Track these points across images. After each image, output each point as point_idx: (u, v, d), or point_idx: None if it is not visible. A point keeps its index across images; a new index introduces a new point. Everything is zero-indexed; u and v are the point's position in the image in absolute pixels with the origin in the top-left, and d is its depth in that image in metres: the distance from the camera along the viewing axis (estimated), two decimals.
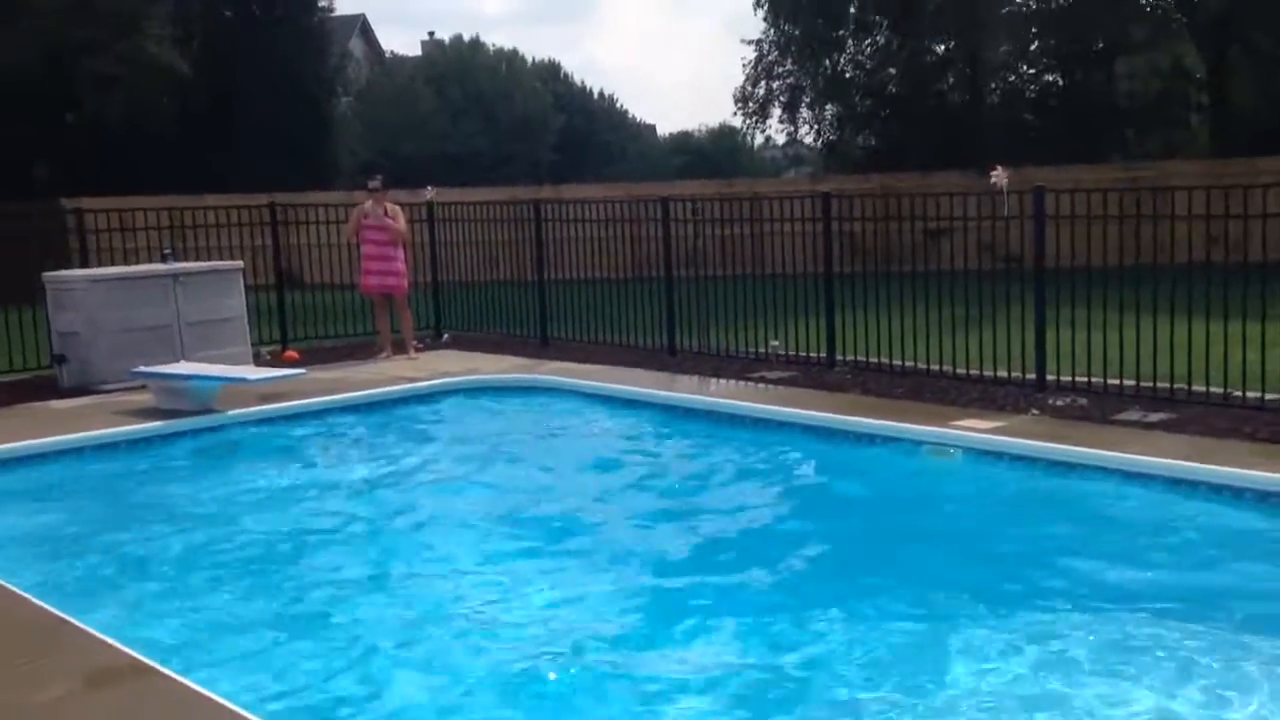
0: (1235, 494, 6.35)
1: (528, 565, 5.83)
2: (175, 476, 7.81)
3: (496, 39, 77.83)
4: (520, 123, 42.39)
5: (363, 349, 12.46)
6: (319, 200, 15.33)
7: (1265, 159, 19.11)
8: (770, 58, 28.02)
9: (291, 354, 12.11)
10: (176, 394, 9.10)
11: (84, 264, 11.88)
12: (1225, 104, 24.93)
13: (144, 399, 9.42)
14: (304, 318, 13.07)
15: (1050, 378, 9.02)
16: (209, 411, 8.94)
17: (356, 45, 43.40)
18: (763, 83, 28.33)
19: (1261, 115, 25.88)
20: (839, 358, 10.50)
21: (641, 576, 5.68)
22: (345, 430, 9.05)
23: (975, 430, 7.73)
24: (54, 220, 14.05)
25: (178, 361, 10.08)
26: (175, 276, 11.01)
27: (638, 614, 5.19)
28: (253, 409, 9.06)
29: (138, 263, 12.34)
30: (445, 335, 13.39)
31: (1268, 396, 8.01)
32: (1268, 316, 8.01)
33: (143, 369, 9.49)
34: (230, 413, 8.95)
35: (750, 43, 28.32)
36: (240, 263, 11.80)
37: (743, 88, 28.56)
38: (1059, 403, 8.52)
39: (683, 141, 50.65)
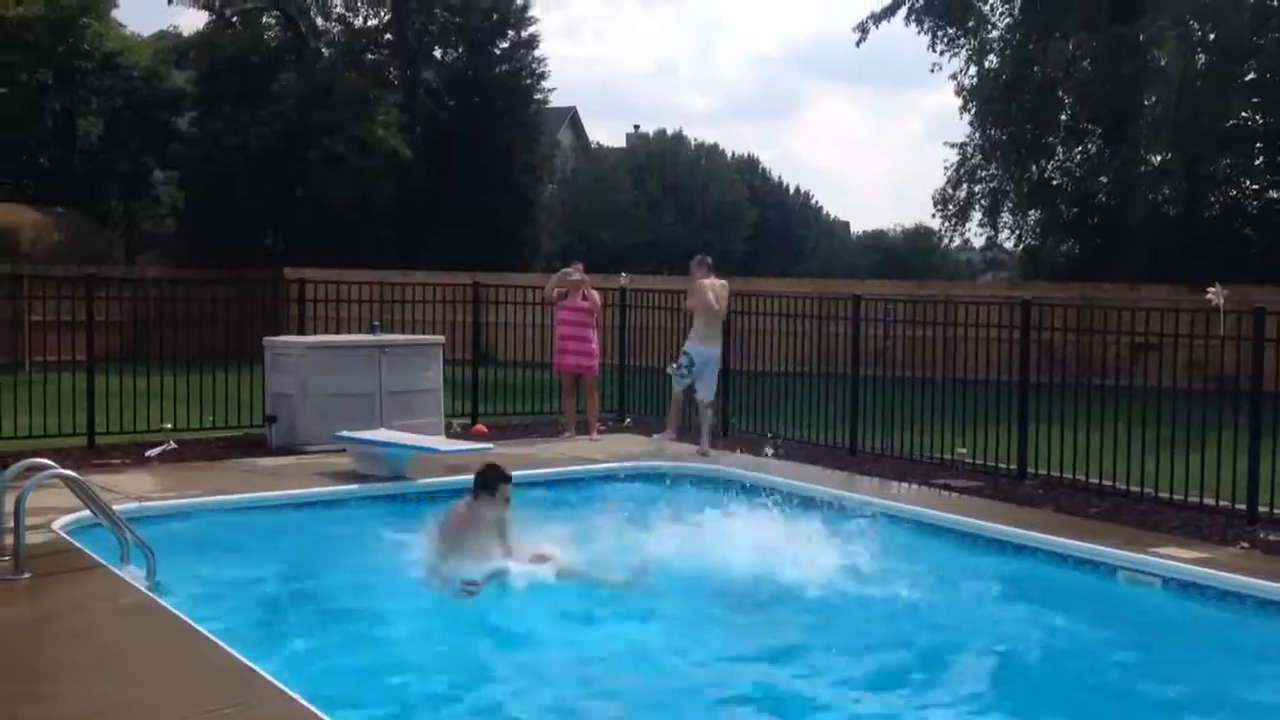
0: None
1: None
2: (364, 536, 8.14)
3: (699, 133, 79.86)
4: (715, 214, 43.12)
5: (547, 427, 12.76)
6: (518, 281, 15.95)
7: None
8: (974, 161, 27.64)
9: (481, 428, 12.51)
10: (373, 459, 9.53)
11: (301, 331, 12.67)
12: None
13: (343, 462, 9.90)
14: (494, 394, 13.52)
15: (1263, 509, 8.41)
16: (400, 479, 9.33)
17: (565, 135, 45.27)
18: (964, 185, 27.92)
19: None
20: (1030, 470, 10.10)
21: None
22: (530, 503, 9.21)
23: (1177, 559, 7.26)
24: (278, 288, 15.06)
25: (377, 428, 10.56)
26: (382, 347, 11.60)
27: None
28: (439, 480, 9.38)
29: (348, 332, 13.09)
30: (628, 419, 13.58)
31: None
32: None
33: (345, 434, 9.99)
34: (419, 481, 9.31)
35: (954, 145, 28.08)
36: (441, 338, 12.35)
37: (943, 190, 28.23)
38: (1272, 537, 7.93)
39: (876, 240, 50.33)
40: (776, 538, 7.63)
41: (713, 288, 11.59)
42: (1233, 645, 6.34)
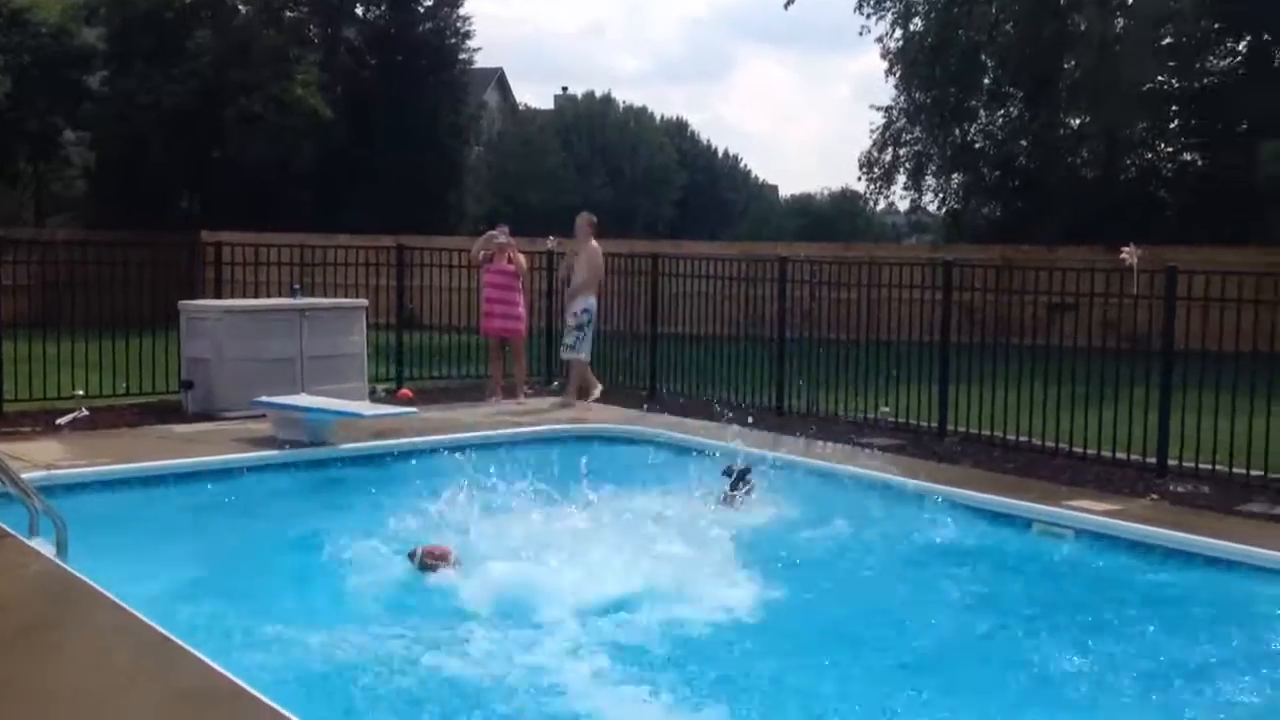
0: None
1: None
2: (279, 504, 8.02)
3: (628, 96, 79.48)
4: (644, 177, 43.04)
5: (474, 391, 12.68)
6: (443, 245, 15.75)
7: None
8: (899, 124, 27.91)
9: (406, 393, 12.39)
10: (294, 425, 9.38)
11: (218, 295, 12.39)
12: None
13: (263, 428, 9.73)
14: (420, 358, 13.38)
15: (1172, 463, 8.67)
16: (323, 444, 9.20)
17: (492, 97, 44.72)
18: (889, 149, 28.21)
19: None
20: (950, 428, 10.28)
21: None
22: (453, 469, 9.13)
23: (1089, 512, 7.46)
24: (194, 251, 14.68)
25: (297, 394, 10.39)
26: (302, 311, 11.39)
27: None
28: (363, 445, 9.27)
29: (268, 296, 12.83)
30: (556, 383, 13.55)
31: None
32: None
33: (264, 399, 9.82)
34: (342, 446, 9.19)
35: (879, 109, 28.31)
36: (365, 301, 12.17)
37: (869, 153, 28.48)
38: (1180, 489, 8.18)
39: (804, 203, 50.65)
40: (701, 492, 7.68)
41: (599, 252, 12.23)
42: (1140, 591, 6.52)
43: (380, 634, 5.41)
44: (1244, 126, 24.63)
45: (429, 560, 6.23)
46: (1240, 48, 25.11)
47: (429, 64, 29.19)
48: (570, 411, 11.45)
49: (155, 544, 6.96)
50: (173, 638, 4.78)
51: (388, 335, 13.35)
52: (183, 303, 11.44)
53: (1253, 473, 8.26)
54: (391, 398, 12.03)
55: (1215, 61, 25.11)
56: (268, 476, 8.61)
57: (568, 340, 12.17)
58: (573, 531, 6.63)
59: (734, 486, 7.96)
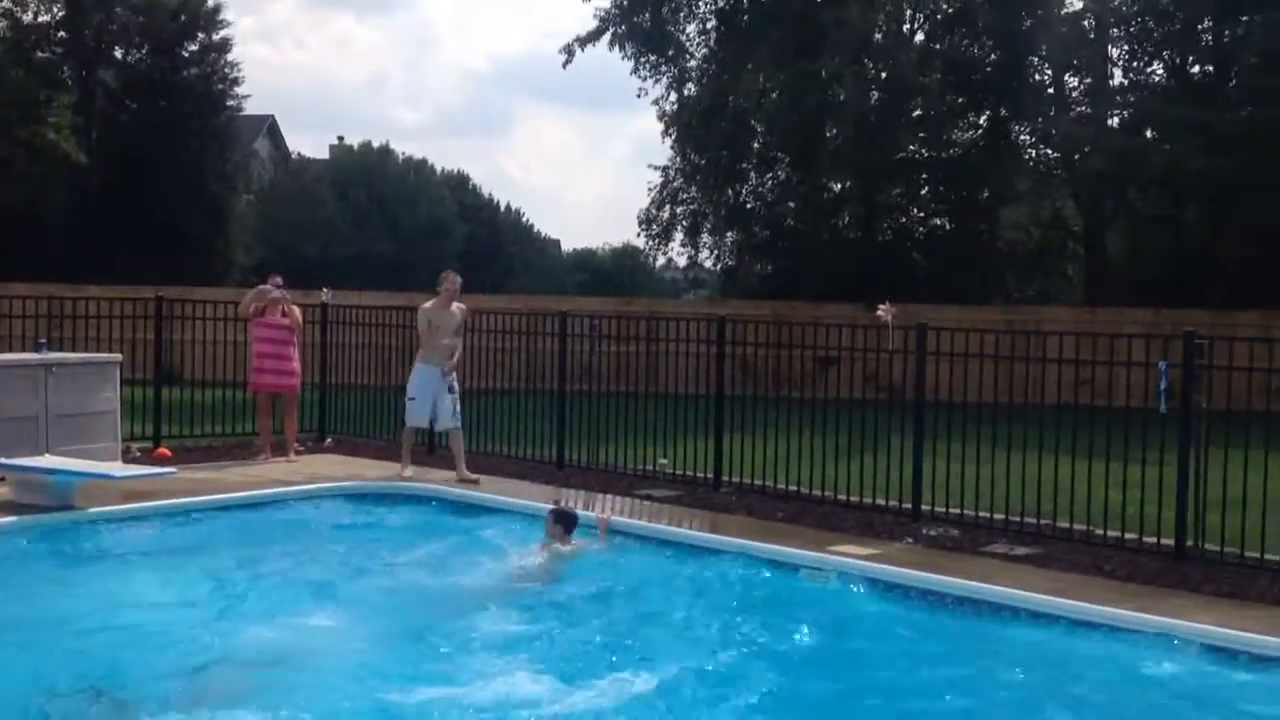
0: (1091, 629, 6.52)
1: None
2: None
3: (408, 148, 78.64)
4: (424, 230, 42.58)
5: (241, 449, 12.13)
6: (208, 296, 15.07)
7: (1133, 310, 20.20)
8: (676, 184, 28.78)
9: (164, 451, 11.72)
10: (36, 488, 8.71)
11: None
12: (1099, 256, 26.34)
13: (1, 491, 8.97)
14: (181, 415, 12.69)
15: (925, 507, 9.21)
16: (68, 508, 8.55)
17: (263, 145, 43.32)
18: (667, 207, 29.03)
19: (1132, 269, 27.47)
20: (725, 479, 10.57)
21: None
22: (210, 532, 8.70)
23: (852, 556, 7.81)
24: None
25: (41, 455, 9.64)
26: (48, 367, 10.60)
27: None
28: (113, 508, 8.68)
29: (11, 350, 11.87)
30: (329, 439, 13.12)
31: (1127, 536, 8.29)
32: (1129, 459, 8.34)
33: (1, 460, 9.06)
34: (91, 510, 8.57)
35: (657, 168, 29.12)
36: (118, 356, 11.44)
37: (647, 210, 29.21)
38: (932, 532, 8.69)
39: (586, 259, 51.41)
40: (482, 549, 7.59)
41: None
42: (896, 632, 6.85)
43: None
44: (986, 194, 26.80)
45: None
46: (981, 121, 27.37)
47: (194, 109, 28.11)
48: (343, 469, 11.11)
49: None
50: None
51: (145, 391, 12.60)
52: None
53: (995, 516, 8.87)
54: (148, 457, 11.34)
55: (960, 134, 27.24)
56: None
57: (455, 409, 10.75)
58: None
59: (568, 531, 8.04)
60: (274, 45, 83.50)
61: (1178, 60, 25.53)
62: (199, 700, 5.33)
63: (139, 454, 11.50)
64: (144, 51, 28.63)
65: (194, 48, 28.85)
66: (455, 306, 10.85)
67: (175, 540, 8.44)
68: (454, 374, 10.75)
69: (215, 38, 28.99)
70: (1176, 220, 25.97)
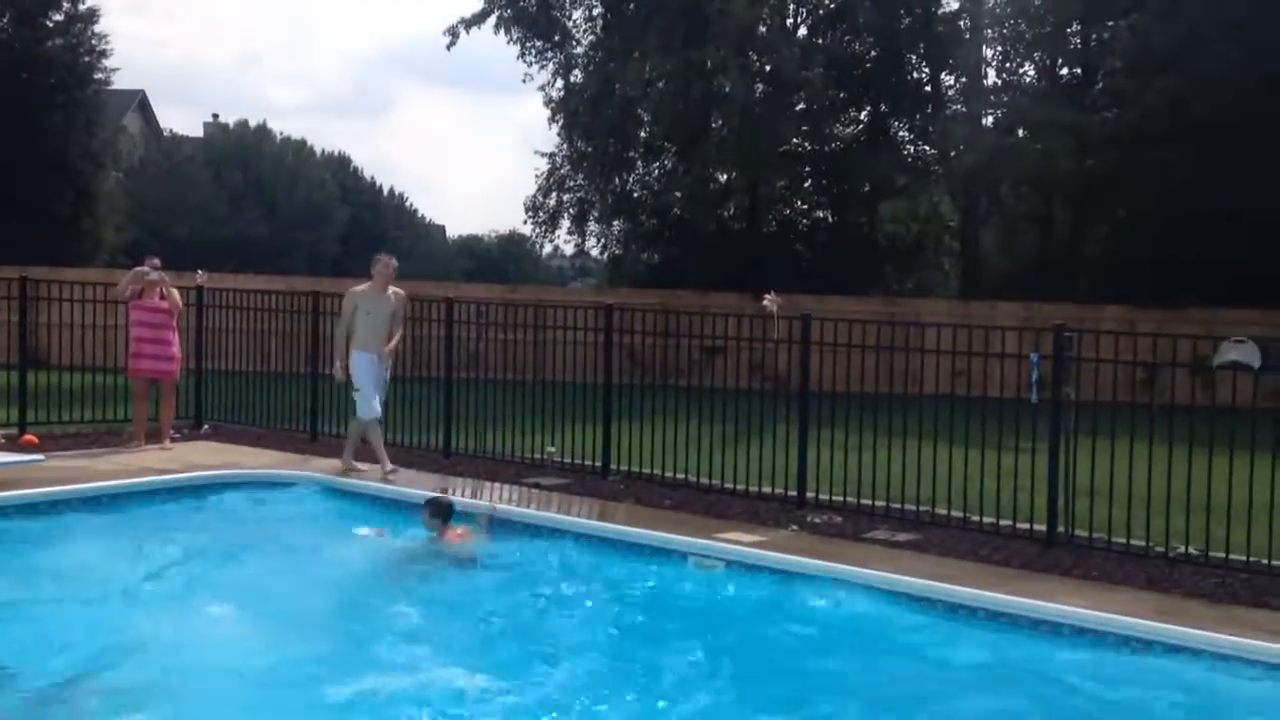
0: (970, 613, 6.76)
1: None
2: None
3: (286, 127, 76.52)
4: (303, 212, 41.60)
5: (112, 436, 11.69)
6: (75, 278, 14.47)
7: (1005, 303, 20.94)
8: (563, 171, 28.63)
9: (30, 438, 11.22)
10: None
11: None
12: (973, 251, 27.23)
13: None
14: (48, 401, 12.16)
15: (810, 495, 9.40)
16: None
17: (133, 121, 41.61)
18: (554, 194, 28.86)
19: (1004, 263, 28.49)
20: (613, 467, 10.62)
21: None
22: (76, 523, 8.37)
23: (739, 544, 7.94)
24: None
25: None
26: None
27: None
28: None
29: None
30: (205, 426, 12.73)
31: (1002, 523, 8.61)
32: (1003, 448, 8.65)
33: None
34: None
35: (544, 155, 28.93)
36: None
37: (534, 197, 29.00)
38: (817, 519, 8.88)
39: (471, 245, 50.94)
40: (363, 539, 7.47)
41: None
42: (780, 617, 6.98)
43: None
44: (866, 188, 27.41)
45: None
46: (862, 116, 27.98)
47: (59, 82, 26.82)
48: (220, 456, 10.80)
49: None
50: None
51: (9, 376, 12.03)
52: None
53: (877, 503, 9.12)
54: (13, 444, 10.84)
55: (841, 129, 27.79)
56: None
57: (379, 397, 10.38)
58: None
59: (445, 521, 7.94)
60: (144, 18, 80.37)
61: (1048, 62, 26.53)
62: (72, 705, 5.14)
63: (2, 440, 10.98)
64: (4, 20, 27.20)
65: (59, 18, 27.54)
66: (392, 291, 10.49)
67: (43, 532, 8.10)
68: (389, 361, 10.43)
69: (81, 8, 27.71)
70: (1046, 217, 27.00)
